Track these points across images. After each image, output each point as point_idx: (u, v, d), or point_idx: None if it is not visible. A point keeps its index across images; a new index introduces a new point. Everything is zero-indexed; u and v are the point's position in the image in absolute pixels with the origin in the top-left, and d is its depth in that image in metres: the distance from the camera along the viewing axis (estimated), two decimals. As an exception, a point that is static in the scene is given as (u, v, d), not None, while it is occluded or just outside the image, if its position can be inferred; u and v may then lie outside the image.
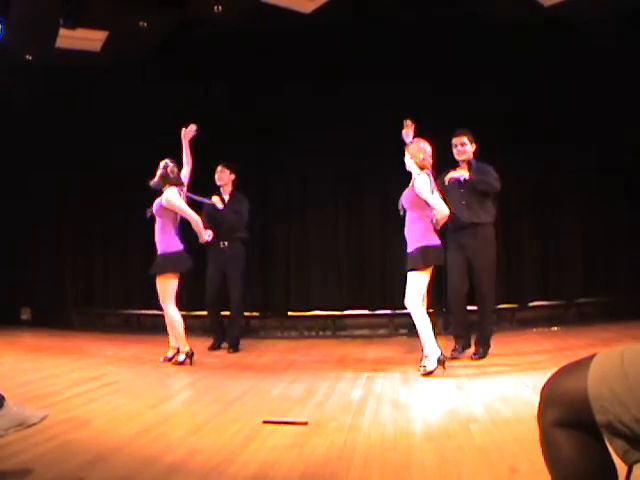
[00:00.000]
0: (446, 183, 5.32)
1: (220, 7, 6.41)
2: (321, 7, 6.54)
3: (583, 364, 1.41)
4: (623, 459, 1.34)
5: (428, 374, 4.71)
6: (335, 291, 7.91)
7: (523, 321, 7.62)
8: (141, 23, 6.67)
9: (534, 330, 7.31)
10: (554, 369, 1.50)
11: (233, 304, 6.42)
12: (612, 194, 7.59)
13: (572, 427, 1.40)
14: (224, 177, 6.48)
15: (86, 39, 6.88)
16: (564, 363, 1.49)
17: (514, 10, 6.52)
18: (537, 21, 6.66)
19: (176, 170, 5.72)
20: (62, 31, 6.64)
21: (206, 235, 5.81)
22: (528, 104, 7.41)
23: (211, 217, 6.32)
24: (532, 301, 7.71)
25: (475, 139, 5.54)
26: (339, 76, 7.54)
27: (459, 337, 5.57)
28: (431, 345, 4.75)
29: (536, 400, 1.50)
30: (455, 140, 5.50)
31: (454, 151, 5.52)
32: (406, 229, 5.01)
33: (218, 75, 7.89)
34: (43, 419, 2.73)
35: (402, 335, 7.34)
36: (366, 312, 7.78)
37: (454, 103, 7.16)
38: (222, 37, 7.45)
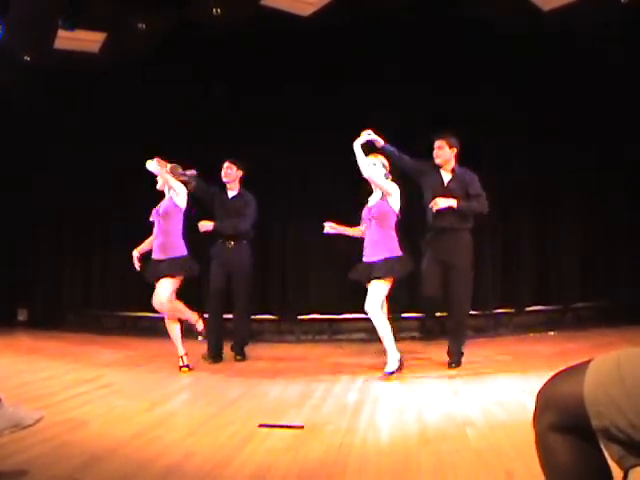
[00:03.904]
0: (433, 211, 5.28)
1: (219, 10, 6.41)
2: (320, 10, 6.54)
3: (579, 369, 1.41)
4: (619, 464, 1.34)
5: (389, 375, 4.93)
6: (332, 294, 7.88)
7: (520, 325, 7.61)
8: (140, 25, 6.66)
9: (531, 335, 7.31)
10: (551, 374, 1.50)
11: (238, 307, 6.10)
12: (612, 194, 7.58)
13: (568, 432, 1.39)
14: (231, 174, 6.16)
15: (85, 40, 6.88)
16: (561, 368, 1.49)
17: (514, 13, 6.53)
18: (537, 22, 6.67)
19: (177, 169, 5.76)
20: (61, 32, 6.65)
21: (204, 227, 5.91)
22: (528, 104, 7.43)
23: (220, 211, 6.16)
24: (529, 305, 7.71)
25: (457, 144, 5.47)
26: (339, 76, 7.53)
27: None
28: (393, 348, 5.05)
29: (532, 404, 1.49)
30: (435, 143, 5.47)
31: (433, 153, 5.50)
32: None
33: (218, 75, 7.89)
34: (38, 421, 2.72)
35: (398, 339, 7.31)
36: (363, 316, 7.75)
37: (454, 103, 7.19)
38: (222, 38, 7.44)
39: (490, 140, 7.43)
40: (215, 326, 6.02)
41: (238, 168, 6.20)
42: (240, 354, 6.10)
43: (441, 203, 5.25)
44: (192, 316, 5.67)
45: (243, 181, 6.30)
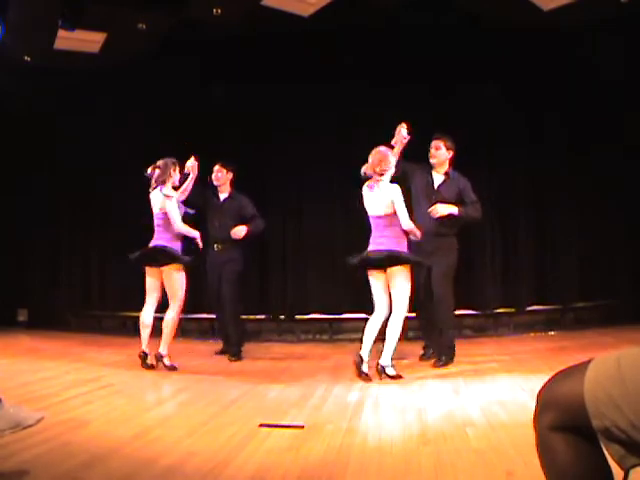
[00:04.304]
0: (434, 217, 5.25)
1: (219, 10, 6.41)
2: (320, 10, 6.54)
3: (580, 368, 1.41)
4: (619, 464, 1.34)
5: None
6: (332, 294, 7.89)
7: (520, 325, 7.62)
8: (140, 25, 6.66)
9: (531, 334, 7.31)
10: (551, 373, 1.50)
11: (225, 309, 6.16)
12: (612, 194, 7.57)
13: (568, 431, 1.40)
14: (221, 177, 6.24)
15: (85, 40, 6.88)
16: (561, 367, 1.49)
17: (514, 12, 6.54)
18: (537, 22, 6.68)
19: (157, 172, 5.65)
20: (61, 32, 6.64)
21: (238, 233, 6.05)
22: (527, 104, 7.45)
23: (211, 213, 6.25)
24: (529, 305, 7.71)
25: (454, 147, 5.46)
26: (339, 76, 7.54)
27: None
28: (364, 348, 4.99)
29: (533, 404, 1.50)
30: (432, 143, 5.45)
31: (429, 153, 5.47)
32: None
33: (218, 75, 7.89)
34: (39, 421, 2.73)
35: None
36: (363, 315, 7.75)
37: (454, 103, 7.20)
38: (222, 38, 7.44)
39: (489, 140, 7.44)
40: (222, 325, 6.38)
41: (228, 171, 6.28)
42: (235, 355, 6.09)
43: (441, 210, 5.22)
44: (143, 342, 5.61)
45: (234, 183, 6.35)
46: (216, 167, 6.27)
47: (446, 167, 5.47)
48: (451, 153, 5.45)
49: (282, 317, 8.04)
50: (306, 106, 7.71)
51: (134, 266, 5.77)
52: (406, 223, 4.93)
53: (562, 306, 7.68)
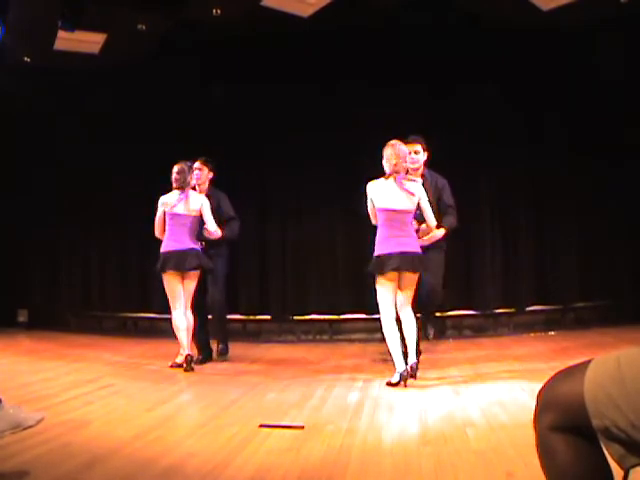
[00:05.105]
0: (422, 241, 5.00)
1: (219, 10, 6.41)
2: (320, 10, 6.55)
3: (580, 368, 1.41)
4: (619, 463, 1.34)
5: (390, 384, 4.57)
6: (332, 295, 7.89)
7: (520, 325, 7.61)
8: (140, 25, 6.66)
9: (531, 335, 7.31)
10: (551, 374, 1.50)
11: (214, 307, 5.97)
12: (612, 194, 7.57)
13: (568, 431, 1.40)
14: (201, 176, 5.91)
15: (85, 41, 6.88)
16: (561, 368, 1.49)
17: (513, 13, 6.54)
18: (537, 23, 6.68)
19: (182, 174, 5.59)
20: (61, 33, 6.65)
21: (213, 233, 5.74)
22: (527, 104, 7.45)
23: None
24: (529, 305, 7.71)
25: (428, 147, 5.28)
26: (339, 77, 7.54)
27: None
28: (394, 358, 4.61)
29: (533, 404, 1.50)
30: (408, 148, 5.02)
31: (407, 159, 5.02)
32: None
33: (218, 76, 7.89)
34: (39, 422, 2.73)
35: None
36: (363, 316, 7.76)
37: (453, 104, 7.21)
38: (222, 38, 7.45)
39: (489, 140, 7.44)
40: (200, 327, 5.92)
41: (209, 170, 6.01)
42: (224, 353, 6.06)
43: (428, 240, 5.03)
44: (184, 347, 5.48)
45: (213, 182, 6.10)
46: (196, 164, 5.88)
47: (422, 169, 5.29)
48: (426, 154, 5.26)
49: (282, 317, 8.03)
50: (306, 106, 7.71)
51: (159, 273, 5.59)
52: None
53: (562, 306, 7.68)
